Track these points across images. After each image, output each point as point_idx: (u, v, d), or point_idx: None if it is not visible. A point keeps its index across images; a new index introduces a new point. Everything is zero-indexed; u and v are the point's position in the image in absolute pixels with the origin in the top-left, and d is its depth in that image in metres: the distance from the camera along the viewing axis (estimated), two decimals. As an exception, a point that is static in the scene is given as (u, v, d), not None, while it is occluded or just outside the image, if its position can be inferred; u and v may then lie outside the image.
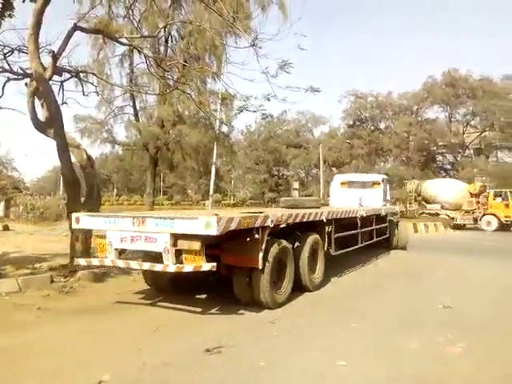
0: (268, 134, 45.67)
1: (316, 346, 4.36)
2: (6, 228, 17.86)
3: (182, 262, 5.29)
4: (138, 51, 10.89)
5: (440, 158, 41.24)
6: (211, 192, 16.27)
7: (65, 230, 16.82)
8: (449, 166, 40.75)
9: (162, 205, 42.95)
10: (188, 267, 5.17)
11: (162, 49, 14.94)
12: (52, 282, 6.75)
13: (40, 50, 7.70)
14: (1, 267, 7.79)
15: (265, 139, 45.69)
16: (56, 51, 7.64)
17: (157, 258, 5.47)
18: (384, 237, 12.23)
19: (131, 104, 16.33)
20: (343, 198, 13.45)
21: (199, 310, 5.72)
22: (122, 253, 5.87)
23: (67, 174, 7.66)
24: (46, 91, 7.40)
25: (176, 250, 5.29)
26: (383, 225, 12.12)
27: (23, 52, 8.51)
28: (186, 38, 14.33)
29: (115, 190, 64.85)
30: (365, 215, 10.29)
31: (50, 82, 7.92)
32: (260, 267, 5.53)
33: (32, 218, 22.14)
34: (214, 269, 5.18)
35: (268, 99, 9.29)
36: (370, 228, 10.98)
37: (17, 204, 26.86)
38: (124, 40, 10.45)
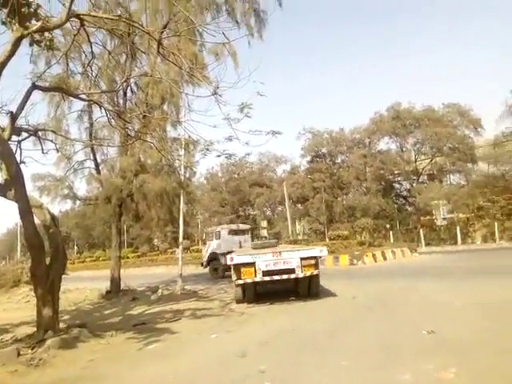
0: (231, 176, 46.14)
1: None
2: (-42, 300, 16.45)
3: (302, 272, 10.16)
4: (99, 105, 10.88)
5: (397, 185, 43.21)
6: (181, 239, 15.90)
7: (25, 296, 15.79)
8: (406, 193, 42.66)
9: (128, 258, 41.29)
10: (308, 273, 10.22)
11: (121, 101, 14.97)
12: (19, 355, 6.18)
13: (-3, 111, 7.53)
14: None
15: (228, 180, 46.04)
16: (14, 111, 7.48)
17: (282, 273, 10.20)
18: None
19: (92, 157, 15.95)
20: (230, 242, 18.64)
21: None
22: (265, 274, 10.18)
23: (31, 237, 7.28)
24: (7, 153, 7.13)
25: (302, 266, 10.10)
26: None
27: (-23, 115, 8.26)
28: (145, 89, 14.49)
29: (75, 247, 61.96)
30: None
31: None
32: (318, 274, 10.49)
33: (-13, 286, 20.57)
34: (319, 273, 10.47)
35: (230, 139, 9.43)
36: None
37: (-31, 272, 24.96)
38: (83, 96, 10.42)
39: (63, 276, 8.55)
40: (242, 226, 20.25)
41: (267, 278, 10.15)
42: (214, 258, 20.36)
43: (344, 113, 79.92)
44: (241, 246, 18.04)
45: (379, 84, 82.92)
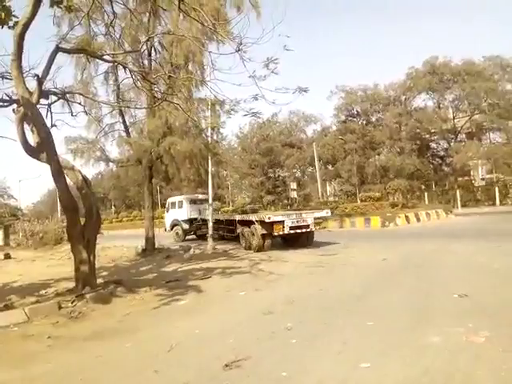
0: (261, 137, 45.55)
1: (334, 350, 4.25)
2: (7, 256, 17.64)
3: (314, 227, 14.39)
4: (123, 66, 10.78)
5: (433, 145, 41.26)
6: (210, 201, 16.14)
7: (67, 253, 16.72)
8: (443, 153, 40.77)
9: (162, 218, 42.48)
10: (317, 228, 14.84)
11: (146, 62, 14.79)
12: (60, 308, 6.59)
13: (24, 75, 7.56)
14: (6, 298, 7.64)
15: (258, 142, 45.57)
16: (40, 75, 7.51)
17: (301, 228, 13.97)
18: None
19: (121, 120, 16.08)
20: (192, 210, 20.69)
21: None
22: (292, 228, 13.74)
23: (64, 199, 7.53)
24: (35, 116, 7.26)
25: (313, 223, 14.04)
26: None
27: (7, 78, 8.37)
28: (169, 49, 14.20)
29: (113, 207, 64.45)
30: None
31: (38, 106, 7.80)
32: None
33: (32, 244, 21.93)
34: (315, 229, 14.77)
35: (256, 99, 9.18)
36: None
37: (16, 231, 26.69)
38: (107, 57, 10.33)
39: (100, 235, 8.92)
40: (202, 196, 22.16)
41: (292, 232, 13.66)
42: (176, 223, 21.94)
43: (378, 70, 75.44)
44: (200, 214, 20.31)
45: (415, 40, 77.33)
